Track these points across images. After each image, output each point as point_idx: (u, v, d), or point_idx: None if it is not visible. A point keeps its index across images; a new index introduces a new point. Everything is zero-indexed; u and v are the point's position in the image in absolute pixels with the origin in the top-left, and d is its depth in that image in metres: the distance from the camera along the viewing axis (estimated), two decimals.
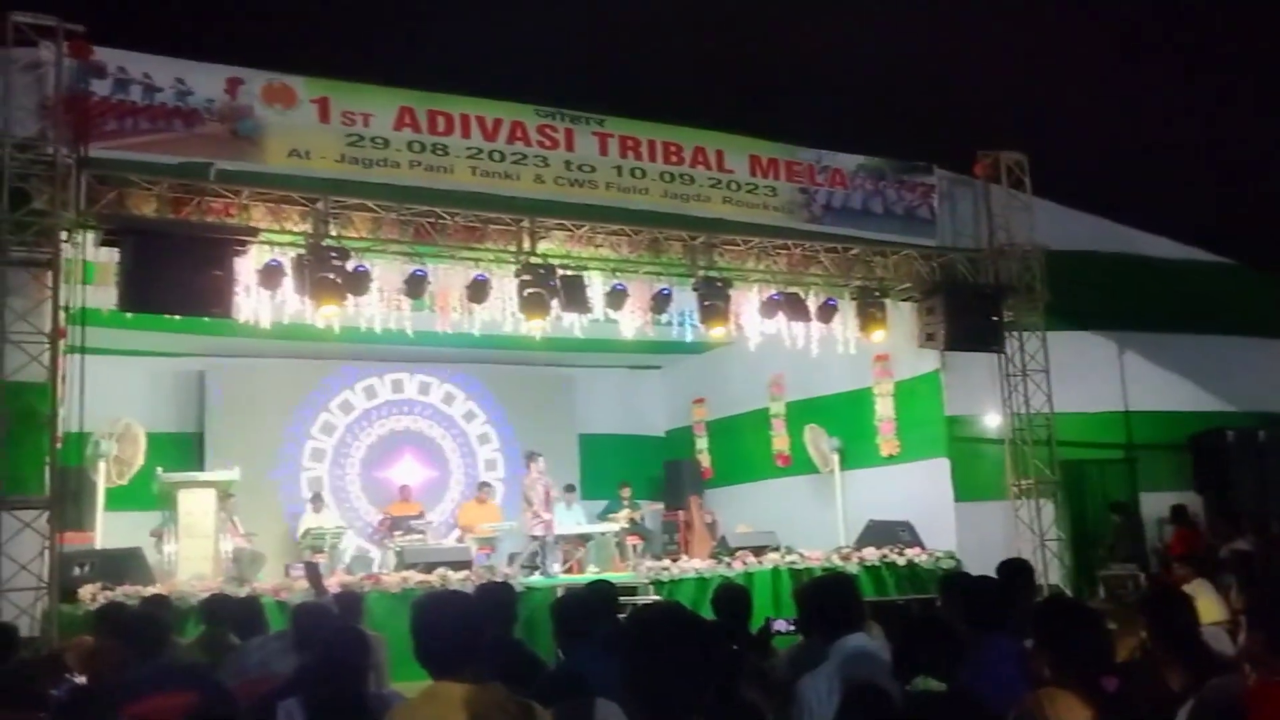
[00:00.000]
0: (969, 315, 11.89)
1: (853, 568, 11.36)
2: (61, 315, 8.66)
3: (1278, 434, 13.14)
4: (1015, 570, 5.61)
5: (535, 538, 12.75)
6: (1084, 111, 10.89)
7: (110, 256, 8.90)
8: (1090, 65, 9.51)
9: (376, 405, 15.67)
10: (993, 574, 5.92)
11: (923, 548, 11.96)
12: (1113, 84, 10.50)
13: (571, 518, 14.16)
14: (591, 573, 12.26)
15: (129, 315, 9.21)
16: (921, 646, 3.68)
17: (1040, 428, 12.30)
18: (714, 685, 2.81)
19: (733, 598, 5.48)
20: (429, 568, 10.48)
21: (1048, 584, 11.42)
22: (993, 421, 12.61)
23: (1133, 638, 5.43)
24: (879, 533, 12.24)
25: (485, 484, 15.01)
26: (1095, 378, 12.92)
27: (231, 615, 6.57)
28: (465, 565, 10.95)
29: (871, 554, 11.74)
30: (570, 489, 14.67)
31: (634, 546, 14.14)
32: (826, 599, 4.53)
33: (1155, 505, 12.94)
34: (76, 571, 9.15)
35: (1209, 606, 7.62)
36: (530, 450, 13.66)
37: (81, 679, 5.22)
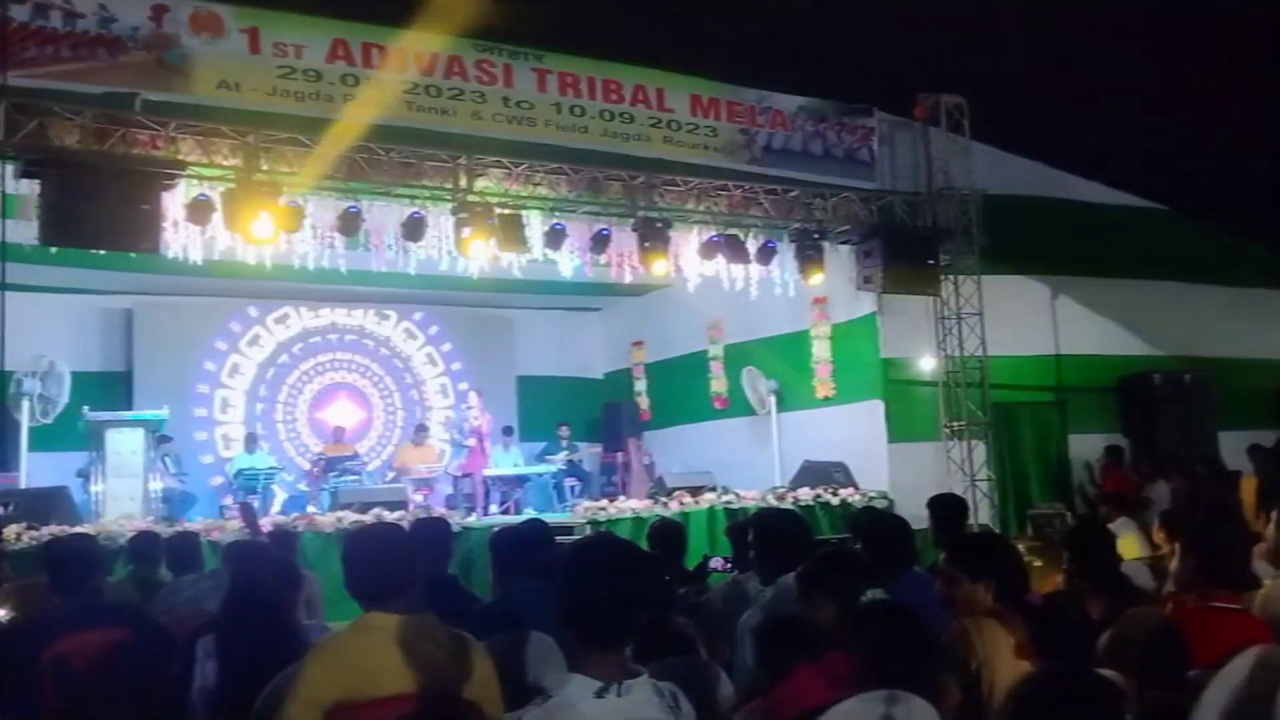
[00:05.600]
0: (906, 258, 11.96)
1: (787, 507, 11.50)
2: None
3: (1203, 378, 13.44)
4: (947, 505, 5.69)
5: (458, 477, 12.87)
6: (1022, 55, 10.92)
7: (31, 189, 8.61)
8: (1029, 8, 9.54)
9: (315, 338, 15.39)
10: (923, 512, 6.03)
11: (856, 488, 12.13)
12: (1051, 27, 10.53)
13: (509, 459, 14.20)
14: (529, 514, 12.30)
15: (52, 250, 8.96)
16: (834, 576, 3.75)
17: (974, 370, 12.46)
18: (647, 615, 2.82)
19: (667, 532, 5.53)
20: (364, 508, 10.42)
21: (977, 523, 11.66)
22: (927, 364, 12.75)
23: (1057, 572, 5.59)
24: (814, 473, 12.39)
25: (422, 426, 14.94)
26: (1028, 321, 13.09)
27: (168, 550, 6.49)
28: (401, 506, 10.89)
29: (806, 494, 11.89)
30: (508, 431, 14.67)
31: (572, 487, 14.20)
32: (771, 535, 4.56)
33: (1083, 447, 13.18)
34: (0, 511, 8.99)
35: (1131, 543, 7.82)
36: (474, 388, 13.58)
37: (7, 617, 5.13)
